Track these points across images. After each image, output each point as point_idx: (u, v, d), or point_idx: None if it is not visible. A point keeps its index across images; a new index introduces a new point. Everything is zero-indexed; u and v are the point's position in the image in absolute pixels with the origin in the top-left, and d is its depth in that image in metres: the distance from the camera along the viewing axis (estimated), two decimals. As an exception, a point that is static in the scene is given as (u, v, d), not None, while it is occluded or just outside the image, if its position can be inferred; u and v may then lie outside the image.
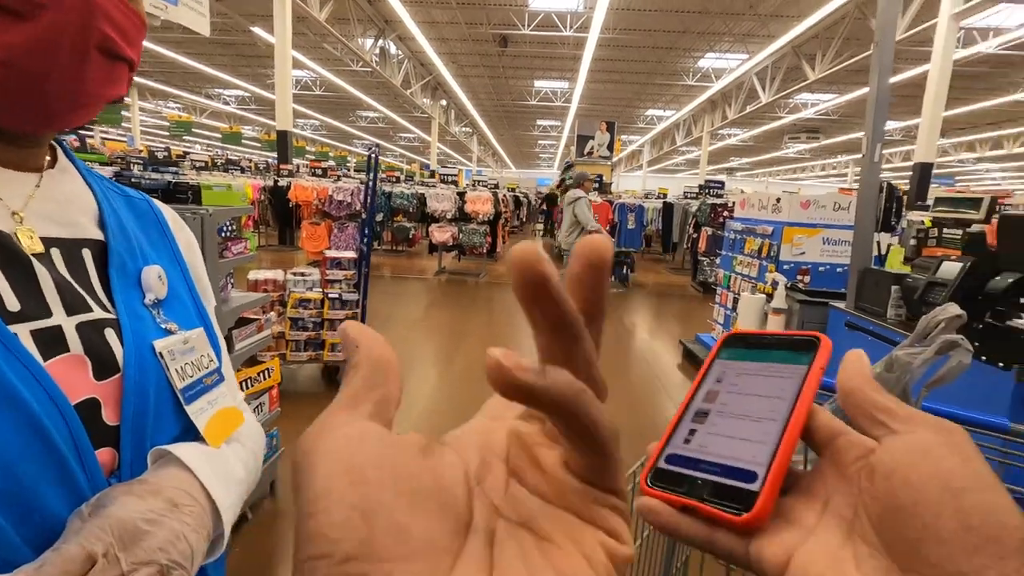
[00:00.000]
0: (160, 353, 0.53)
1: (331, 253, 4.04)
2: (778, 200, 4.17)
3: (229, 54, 16.42)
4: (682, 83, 17.32)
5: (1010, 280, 1.82)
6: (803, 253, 4.03)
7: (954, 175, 29.72)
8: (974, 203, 2.47)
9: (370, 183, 3.97)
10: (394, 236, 11.86)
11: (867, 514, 0.23)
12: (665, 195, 12.44)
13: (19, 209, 0.49)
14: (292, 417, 3.28)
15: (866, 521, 0.23)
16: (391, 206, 10.60)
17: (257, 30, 13.28)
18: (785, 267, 4.01)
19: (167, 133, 22.83)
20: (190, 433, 0.55)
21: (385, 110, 22.91)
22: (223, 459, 0.55)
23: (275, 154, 12.99)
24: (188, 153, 15.06)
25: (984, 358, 1.74)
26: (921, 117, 9.64)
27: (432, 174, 15.12)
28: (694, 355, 4.92)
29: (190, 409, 0.54)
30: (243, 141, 26.10)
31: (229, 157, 16.93)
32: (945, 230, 2.44)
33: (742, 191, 12.12)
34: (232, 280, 2.34)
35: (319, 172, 11.22)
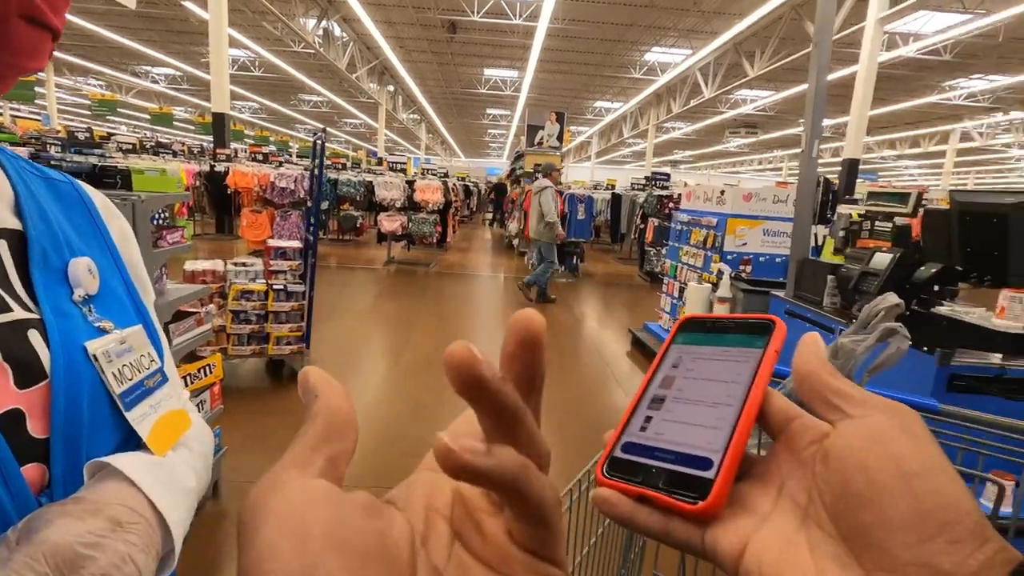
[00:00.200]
0: (93, 355, 0.48)
1: (275, 242, 3.88)
2: (722, 192, 4.32)
3: (158, 29, 15.38)
4: (629, 76, 17.62)
5: (933, 270, 1.96)
6: (745, 244, 4.20)
7: (877, 171, 31.75)
8: (903, 198, 2.64)
9: (316, 170, 3.82)
10: (341, 225, 11.52)
11: (821, 499, 0.23)
12: (613, 186, 12.67)
13: None
14: (235, 414, 3.14)
15: (820, 507, 0.23)
16: (337, 194, 10.28)
17: (190, 5, 12.49)
18: (729, 257, 4.16)
19: (88, 112, 21.18)
20: (131, 442, 0.50)
21: (329, 94, 22.14)
22: (170, 468, 0.50)
23: (211, 137, 12.32)
24: (113, 135, 14.04)
25: (911, 343, 1.86)
26: (850, 116, 10.19)
27: (380, 162, 14.77)
28: (643, 343, 5.05)
29: (131, 415, 0.49)
30: (175, 123, 24.62)
31: (160, 140, 15.92)
32: (877, 223, 2.59)
33: (685, 183, 12.50)
34: (167, 271, 2.19)
35: (260, 157, 10.74)
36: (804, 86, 14.98)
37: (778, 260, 4.25)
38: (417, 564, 0.18)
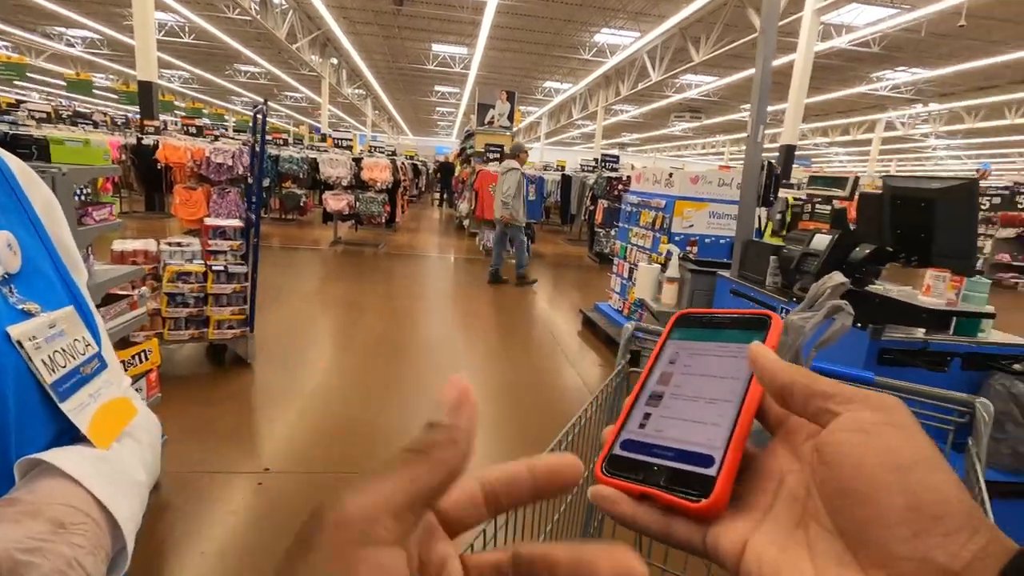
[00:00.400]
0: (18, 342, 0.43)
1: (213, 221, 3.66)
2: (671, 175, 4.41)
3: (72, -13, 14.09)
4: (579, 57, 17.63)
5: (867, 251, 2.07)
6: (692, 225, 4.32)
7: (811, 157, 33.35)
8: (841, 182, 2.77)
9: (257, 145, 3.62)
10: (283, 204, 11.06)
11: (819, 495, 0.24)
12: (563, 168, 12.71)
13: None
14: (174, 402, 2.98)
15: (819, 502, 0.24)
16: (279, 171, 9.84)
17: (108, -39, 11.47)
18: (676, 238, 4.27)
19: (-7, 77, 19.22)
20: (68, 435, 0.45)
21: (268, 65, 21.01)
22: (116, 461, 0.46)
23: (136, 108, 11.46)
24: (22, 102, 12.83)
25: (847, 319, 1.98)
26: (788, 103, 10.62)
27: (324, 138, 14.20)
28: (593, 323, 5.14)
29: (66, 406, 0.45)
30: (94, 91, 22.75)
31: (77, 109, 14.68)
32: (817, 206, 2.71)
33: (632, 166, 12.72)
34: (92, 252, 2.03)
35: (193, 131, 10.11)
36: (745, 73, 15.45)
37: (722, 241, 4.40)
38: None
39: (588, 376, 4.11)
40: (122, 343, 2.43)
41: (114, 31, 17.46)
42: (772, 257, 2.56)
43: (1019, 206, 9.88)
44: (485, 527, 0.74)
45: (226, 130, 15.66)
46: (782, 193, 5.88)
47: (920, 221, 1.97)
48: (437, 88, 26.10)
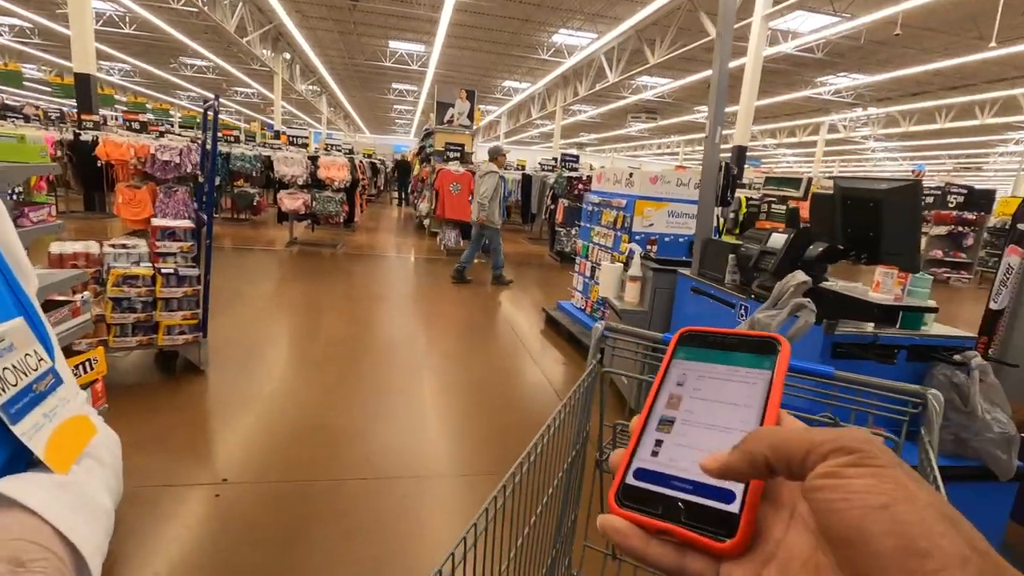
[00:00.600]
0: (-39, 358, 0.39)
1: (161, 222, 3.49)
2: (631, 175, 4.48)
3: (-2, -29, 13.17)
4: (537, 56, 17.70)
5: (820, 249, 2.16)
6: (652, 224, 4.40)
7: (760, 158, 34.57)
8: (795, 183, 2.88)
9: (208, 142, 3.48)
10: (235, 203, 10.67)
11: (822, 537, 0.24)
12: (524, 167, 12.75)
13: None
14: (122, 413, 2.83)
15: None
16: (230, 169, 9.50)
17: (39, -55, 10.78)
18: (637, 237, 4.35)
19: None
20: (22, 460, 0.41)
21: (216, 59, 20.20)
22: (77, 487, 0.42)
23: (73, 101, 10.83)
24: (-57, 93, 11.91)
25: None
26: (739, 106, 10.97)
27: (277, 135, 13.78)
28: (556, 321, 5.18)
29: (19, 429, 0.41)
30: (25, 83, 21.36)
31: (6, 102, 13.75)
32: (773, 206, 2.81)
33: (591, 166, 12.88)
34: (27, 256, 1.90)
35: (136, 126, 9.65)
36: (698, 75, 15.83)
37: (681, 239, 4.51)
38: None
39: (552, 374, 4.14)
40: (65, 352, 2.28)
41: (47, 20, 16.43)
42: (731, 255, 2.64)
43: (950, 205, 10.52)
44: (454, 550, 0.72)
45: (172, 126, 14.99)
46: (736, 193, 6.08)
47: (869, 220, 2.07)
48: (395, 86, 25.72)
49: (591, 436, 1.41)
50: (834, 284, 2.07)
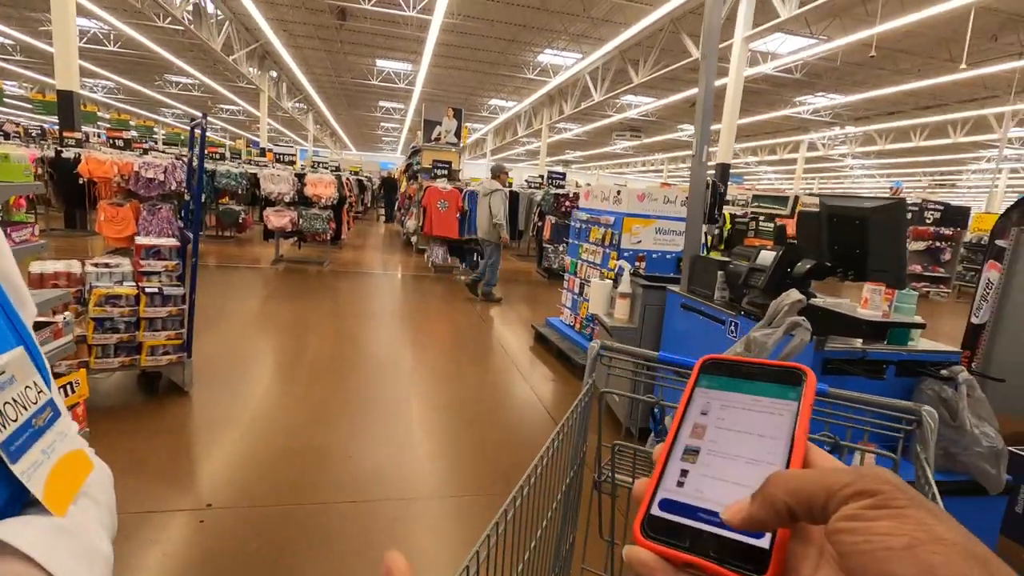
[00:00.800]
0: (-42, 393, 0.38)
1: (145, 240, 3.45)
2: (619, 192, 4.53)
3: (-19, -12, 13.08)
4: (523, 76, 17.95)
5: (808, 266, 2.19)
6: (640, 241, 4.44)
7: (743, 175, 35.19)
8: (782, 200, 2.92)
9: (195, 160, 3.45)
10: (220, 220, 10.58)
11: None
12: (511, 184, 12.80)
13: None
14: (104, 436, 2.76)
15: None
16: (215, 186, 9.44)
17: (23, -37, 10.75)
18: (626, 254, 4.38)
19: None
20: (20, 500, 0.40)
21: (202, 77, 20.18)
22: (76, 530, 0.40)
23: (54, 118, 10.71)
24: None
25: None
26: (722, 124, 11.19)
27: (263, 152, 13.73)
28: (545, 338, 5.17)
29: (18, 468, 0.39)
30: (6, 100, 21.08)
31: (-14, 119, 13.57)
32: (761, 223, 2.85)
33: (577, 183, 13.00)
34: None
35: (120, 144, 9.56)
36: (681, 95, 16.12)
37: (668, 256, 4.55)
38: None
39: (543, 392, 4.12)
40: (43, 375, 2.23)
41: (29, 37, 16.31)
42: (720, 272, 2.66)
43: (927, 221, 10.77)
44: (468, 563, 0.71)
45: (156, 143, 14.88)
46: (722, 209, 6.18)
47: (855, 238, 2.11)
48: (381, 103, 25.85)
49: (587, 457, 1.39)
50: (822, 301, 2.10)
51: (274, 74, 20.64)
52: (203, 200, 9.05)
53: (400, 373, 4.34)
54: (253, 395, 3.60)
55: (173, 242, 3.45)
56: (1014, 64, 11.62)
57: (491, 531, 0.82)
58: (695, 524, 0.28)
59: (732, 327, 2.48)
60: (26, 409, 0.42)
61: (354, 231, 14.45)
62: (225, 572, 2.01)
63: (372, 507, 2.48)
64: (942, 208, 10.84)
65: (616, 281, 3.60)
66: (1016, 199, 2.92)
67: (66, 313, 2.79)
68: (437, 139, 11.98)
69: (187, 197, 3.70)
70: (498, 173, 7.06)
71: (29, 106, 23.85)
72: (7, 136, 10.95)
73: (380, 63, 18.37)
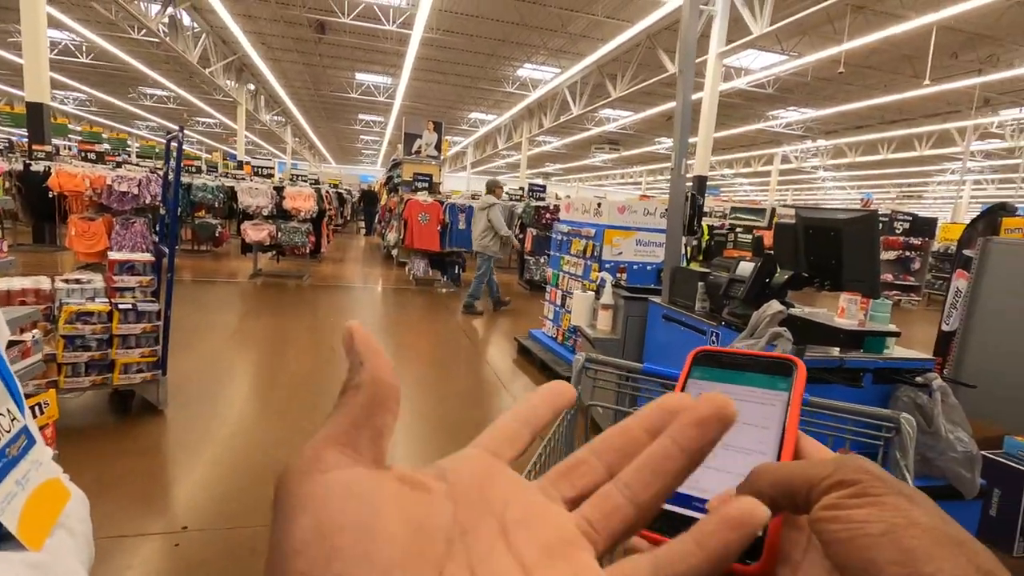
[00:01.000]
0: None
1: (118, 255, 3.37)
2: (599, 205, 4.57)
3: (-54, -2, 12.75)
4: (503, 89, 18.10)
5: (785, 276, 2.23)
6: (621, 253, 4.48)
7: (719, 187, 35.86)
8: (760, 212, 2.98)
9: (172, 174, 3.39)
10: (196, 234, 10.40)
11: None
12: (509, 197, 12.85)
13: None
14: (73, 457, 2.66)
15: None
16: (191, 199, 9.29)
17: (-8, -27, 10.55)
18: (607, 266, 4.41)
19: None
20: (-8, 534, 0.38)
21: (178, 89, 19.93)
22: (52, 567, 0.39)
23: (24, 131, 10.46)
24: None
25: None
26: (698, 137, 11.40)
27: (240, 165, 13.56)
28: (528, 350, 5.16)
29: None
30: (-29, 112, 20.52)
31: (-51, 131, 13.18)
32: (739, 235, 2.90)
33: (557, 195, 13.10)
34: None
35: (92, 157, 9.37)
36: (658, 108, 16.37)
37: (649, 267, 4.60)
38: (450, 559, 0.17)
39: (526, 405, 4.10)
40: (10, 396, 2.14)
41: (-3, 48, 15.96)
42: (700, 283, 2.70)
43: (897, 231, 11.08)
44: None
45: (129, 156, 14.62)
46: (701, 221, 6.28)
47: (830, 249, 2.16)
48: (361, 117, 25.82)
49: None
50: (800, 311, 2.14)
51: (252, 87, 20.49)
52: (179, 213, 8.92)
53: (382, 388, 4.28)
54: (230, 412, 3.52)
55: (148, 257, 3.38)
56: (974, 80, 12.10)
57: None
58: (689, 512, 0.28)
59: (713, 337, 2.50)
60: (-1, 437, 0.40)
61: (334, 244, 14.32)
62: (202, 597, 1.95)
63: (354, 526, 2.43)
64: (911, 219, 11.18)
65: (598, 293, 3.62)
66: (980, 210, 3.02)
67: (35, 331, 2.70)
68: (418, 152, 11.98)
69: (163, 211, 3.63)
70: (493, 187, 7.17)
71: (-4, 118, 23.23)
72: (-27, 149, 10.64)
73: (360, 76, 18.37)
